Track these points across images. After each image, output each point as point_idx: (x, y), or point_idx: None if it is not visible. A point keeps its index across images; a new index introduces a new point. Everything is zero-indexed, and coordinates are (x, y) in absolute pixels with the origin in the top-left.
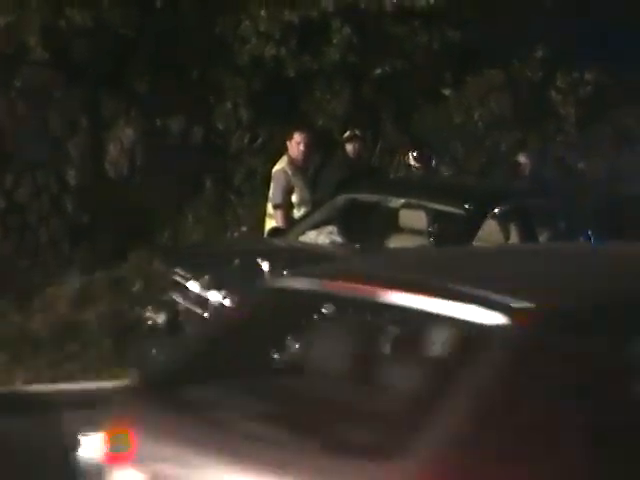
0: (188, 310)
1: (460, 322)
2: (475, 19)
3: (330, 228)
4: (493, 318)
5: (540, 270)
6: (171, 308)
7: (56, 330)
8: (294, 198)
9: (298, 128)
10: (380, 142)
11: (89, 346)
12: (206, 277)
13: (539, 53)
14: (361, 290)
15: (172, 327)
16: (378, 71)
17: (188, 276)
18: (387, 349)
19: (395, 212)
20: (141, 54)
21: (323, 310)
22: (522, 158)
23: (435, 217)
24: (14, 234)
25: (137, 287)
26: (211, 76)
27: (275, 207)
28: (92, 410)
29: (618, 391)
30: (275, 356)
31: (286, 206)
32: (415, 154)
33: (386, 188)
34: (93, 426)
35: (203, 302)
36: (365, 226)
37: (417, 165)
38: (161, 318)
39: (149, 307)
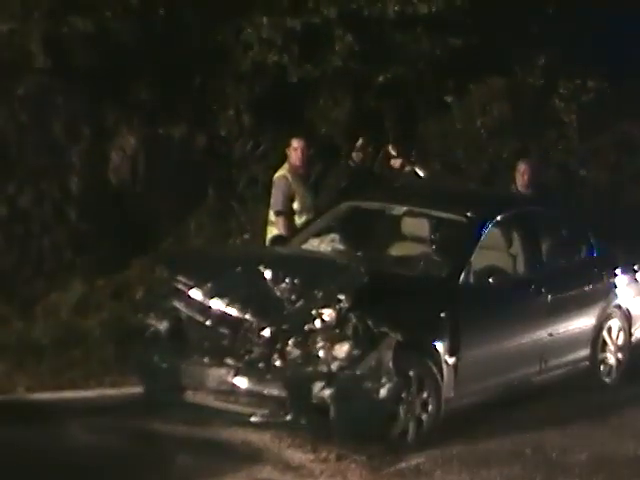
0: (190, 318)
1: None
2: (477, 26)
3: (332, 236)
4: None
5: None
6: (173, 315)
7: (59, 337)
8: (295, 205)
9: (295, 135)
10: (383, 150)
11: (92, 353)
12: (208, 284)
13: (541, 60)
14: None
15: (174, 334)
16: (380, 78)
17: (190, 284)
18: None
19: (397, 220)
20: (143, 61)
21: None
22: (522, 165)
23: (437, 225)
24: (17, 242)
25: (139, 294)
26: (213, 83)
27: (277, 214)
28: (94, 417)
29: None
30: None
31: (287, 213)
32: (391, 148)
33: (388, 196)
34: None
35: (205, 310)
36: (367, 234)
37: (397, 162)
38: (163, 325)
39: (151, 314)
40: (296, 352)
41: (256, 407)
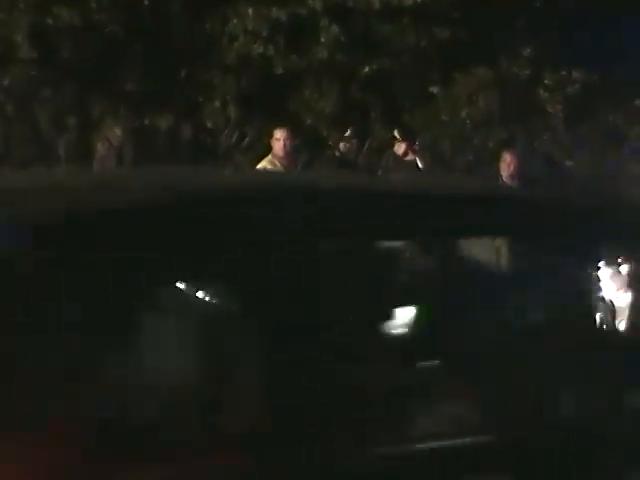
0: None
1: None
2: (463, 18)
3: None
4: None
5: None
6: None
7: None
8: None
9: (279, 125)
10: (368, 141)
11: None
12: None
13: (527, 51)
14: None
15: None
16: (366, 70)
17: None
18: None
19: None
20: (129, 52)
21: None
22: (508, 156)
23: None
24: None
25: None
26: (199, 74)
27: None
28: None
29: None
30: None
31: None
32: (397, 133)
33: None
34: None
35: None
36: None
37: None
38: None
39: None
40: None
41: None
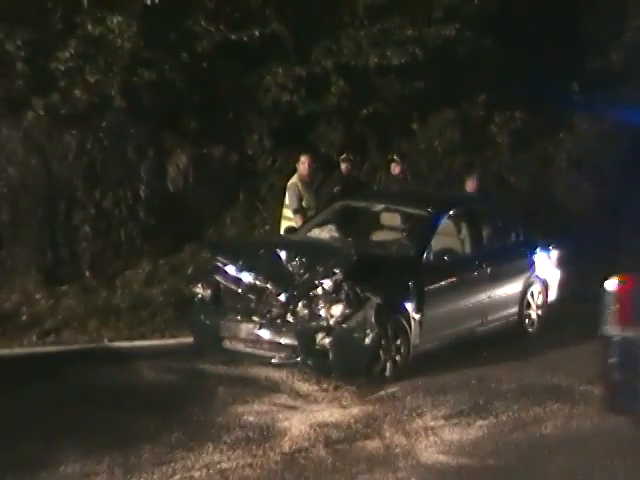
0: (227, 287)
1: None
2: (434, 73)
3: (330, 226)
4: None
5: None
6: (215, 286)
7: (132, 302)
8: (303, 204)
9: (303, 152)
10: (367, 163)
11: (156, 314)
12: (240, 263)
13: (482, 97)
14: None
15: (215, 299)
16: (364, 111)
17: (227, 262)
18: None
19: (377, 214)
20: (192, 101)
21: None
22: (470, 180)
23: (406, 218)
24: (101, 234)
25: (190, 271)
26: (243, 116)
27: (294, 212)
28: (158, 360)
29: None
30: None
31: (302, 210)
32: (395, 157)
33: (371, 196)
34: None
35: (238, 281)
36: (356, 224)
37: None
38: (207, 293)
39: (199, 285)
40: (304, 312)
41: (275, 352)
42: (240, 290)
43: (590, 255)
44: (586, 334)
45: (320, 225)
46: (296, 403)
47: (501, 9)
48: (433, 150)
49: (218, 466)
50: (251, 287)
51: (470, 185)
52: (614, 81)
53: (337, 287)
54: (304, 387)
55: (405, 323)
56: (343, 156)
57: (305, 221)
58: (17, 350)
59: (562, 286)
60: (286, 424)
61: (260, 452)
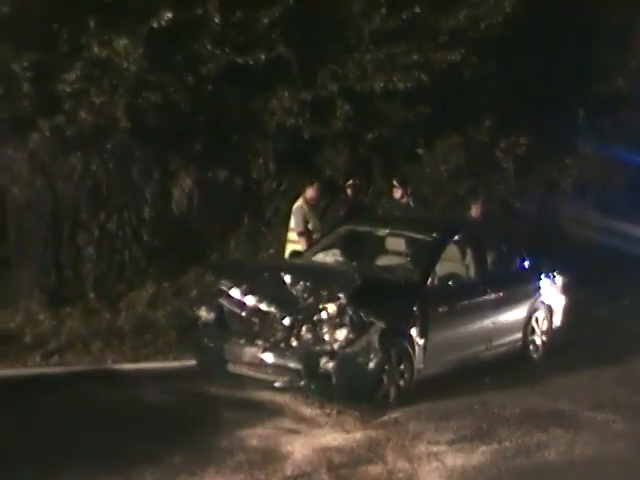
0: (230, 310)
1: None
2: (440, 98)
3: (334, 250)
4: None
5: None
6: (219, 309)
7: (136, 324)
8: (309, 227)
9: (314, 178)
10: (372, 188)
11: (160, 336)
12: (244, 286)
13: (487, 122)
14: None
15: (219, 323)
16: (370, 136)
17: (231, 285)
18: None
19: (382, 239)
20: (197, 124)
21: None
22: (475, 207)
23: (411, 242)
24: (106, 255)
25: (194, 293)
26: (247, 139)
27: (299, 234)
28: (161, 382)
29: None
30: None
31: (307, 233)
32: (396, 182)
33: (375, 221)
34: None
35: (241, 304)
36: (360, 249)
37: (399, 194)
38: (211, 316)
39: (203, 308)
40: (308, 336)
41: (279, 376)
42: (244, 314)
43: (595, 281)
44: (590, 360)
45: (325, 249)
46: (299, 427)
47: (506, 34)
48: (438, 175)
49: None
50: (255, 311)
51: (475, 210)
52: (619, 106)
53: (341, 311)
54: (307, 411)
55: (409, 348)
56: (350, 182)
57: (310, 244)
58: (20, 371)
59: (567, 312)
60: (289, 448)
61: (262, 476)
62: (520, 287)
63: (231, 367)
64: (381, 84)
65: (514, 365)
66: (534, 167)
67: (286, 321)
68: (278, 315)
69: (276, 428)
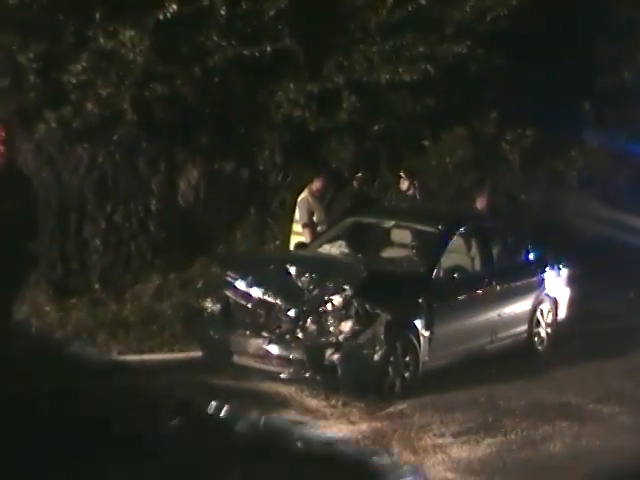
0: (236, 302)
1: None
2: (445, 90)
3: (340, 242)
4: None
5: None
6: (224, 300)
7: (141, 316)
8: (314, 218)
9: (320, 173)
10: (378, 180)
11: (165, 328)
12: (250, 278)
13: (493, 115)
14: None
15: (225, 314)
16: (376, 128)
17: (237, 277)
18: None
19: (387, 231)
20: (203, 116)
21: None
22: (480, 200)
23: (417, 235)
24: (112, 247)
25: (200, 285)
26: (254, 131)
27: (304, 226)
28: (166, 374)
29: None
30: None
31: (312, 225)
32: (403, 173)
33: (381, 213)
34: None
35: (247, 296)
36: (366, 241)
37: (406, 186)
38: (217, 307)
39: (208, 300)
40: (313, 327)
41: (284, 367)
42: (250, 305)
43: (600, 273)
44: (596, 353)
45: (330, 241)
46: (304, 419)
47: (512, 26)
48: (444, 167)
49: None
50: (261, 302)
51: (480, 203)
52: (625, 99)
53: (347, 303)
54: (312, 403)
55: (414, 340)
56: (359, 175)
57: (315, 236)
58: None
59: (572, 304)
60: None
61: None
62: (525, 279)
63: (236, 359)
64: (387, 76)
65: (519, 357)
66: (540, 160)
67: (292, 313)
68: (284, 307)
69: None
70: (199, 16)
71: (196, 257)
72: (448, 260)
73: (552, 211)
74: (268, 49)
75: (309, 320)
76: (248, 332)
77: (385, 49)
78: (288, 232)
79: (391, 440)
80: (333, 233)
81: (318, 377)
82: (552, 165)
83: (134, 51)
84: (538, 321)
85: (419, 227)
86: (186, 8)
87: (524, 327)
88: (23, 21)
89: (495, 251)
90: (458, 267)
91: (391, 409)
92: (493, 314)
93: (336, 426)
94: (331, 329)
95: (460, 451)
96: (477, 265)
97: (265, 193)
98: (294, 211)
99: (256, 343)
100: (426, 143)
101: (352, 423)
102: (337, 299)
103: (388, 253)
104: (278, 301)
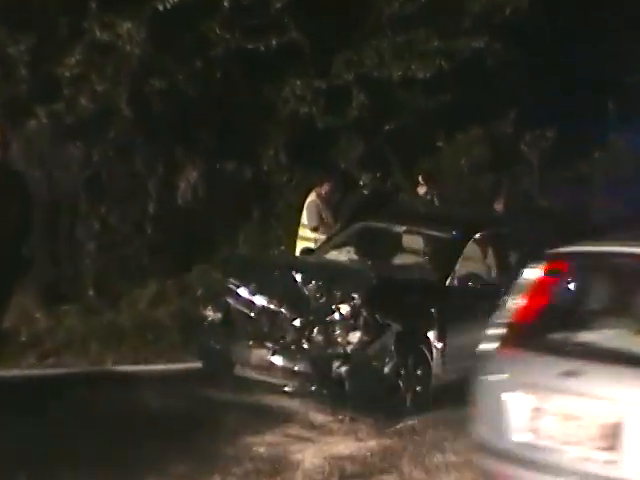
0: (238, 310)
1: None
2: (461, 87)
3: (348, 248)
4: None
5: None
6: (225, 308)
7: (138, 324)
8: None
9: (325, 173)
10: (389, 181)
11: (162, 337)
12: (253, 284)
13: (511, 114)
14: None
15: (226, 323)
16: (387, 127)
17: (239, 284)
18: None
19: (399, 236)
20: (204, 112)
21: None
22: (498, 205)
23: (429, 240)
24: (106, 250)
25: (200, 292)
26: (258, 129)
27: (314, 229)
28: (163, 385)
29: None
30: None
31: (324, 227)
32: (421, 178)
33: (392, 217)
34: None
35: (250, 304)
36: (375, 247)
37: (424, 191)
38: (217, 316)
39: (209, 307)
40: (320, 338)
41: (288, 379)
42: (252, 314)
43: None
44: None
45: (338, 246)
46: (310, 434)
47: (533, 20)
48: (459, 169)
49: None
50: (264, 311)
51: (498, 206)
52: None
53: (355, 313)
54: (318, 418)
55: (426, 352)
56: (369, 176)
57: (325, 239)
58: (14, 372)
59: None
60: (299, 456)
61: None
62: None
63: (238, 370)
64: (399, 72)
65: None
66: (561, 161)
67: (297, 322)
68: (288, 316)
69: (285, 435)
70: (200, 6)
71: (195, 262)
72: (463, 268)
73: (576, 215)
74: (273, 43)
75: (315, 330)
76: (251, 342)
77: (397, 43)
78: (293, 236)
79: (401, 458)
80: (341, 238)
81: (324, 390)
82: (574, 167)
83: (131, 43)
84: None
85: (432, 232)
86: None
87: None
88: (14, 11)
89: (512, 258)
90: (473, 275)
91: (401, 425)
92: None
93: (343, 443)
94: (338, 340)
95: (474, 470)
96: (493, 273)
97: (269, 194)
98: (300, 213)
99: (259, 354)
100: (440, 143)
101: (360, 440)
102: (345, 308)
103: (399, 260)
104: (283, 310)
